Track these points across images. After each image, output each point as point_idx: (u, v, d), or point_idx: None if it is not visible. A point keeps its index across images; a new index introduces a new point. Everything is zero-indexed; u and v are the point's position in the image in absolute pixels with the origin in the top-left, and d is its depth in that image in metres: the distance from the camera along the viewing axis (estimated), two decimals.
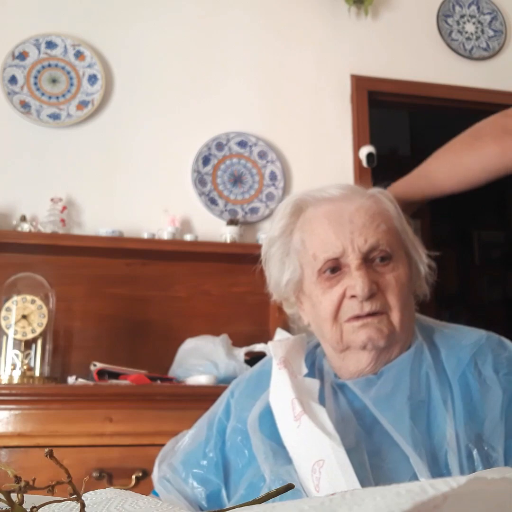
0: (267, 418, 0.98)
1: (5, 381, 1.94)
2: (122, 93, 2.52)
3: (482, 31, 2.89)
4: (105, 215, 2.39)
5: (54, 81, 2.45)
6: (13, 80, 2.40)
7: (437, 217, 4.55)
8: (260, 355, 2.09)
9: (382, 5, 2.82)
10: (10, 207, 2.32)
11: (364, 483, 0.83)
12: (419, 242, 1.06)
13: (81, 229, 2.37)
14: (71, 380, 1.97)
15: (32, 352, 2.03)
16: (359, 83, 2.70)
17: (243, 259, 2.44)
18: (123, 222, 2.37)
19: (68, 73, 2.47)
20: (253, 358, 2.09)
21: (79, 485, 0.47)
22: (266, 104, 2.63)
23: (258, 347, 2.21)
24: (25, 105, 2.39)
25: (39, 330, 2.02)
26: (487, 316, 4.38)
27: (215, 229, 2.44)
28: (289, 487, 0.52)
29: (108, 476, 1.79)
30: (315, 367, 1.06)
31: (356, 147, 2.64)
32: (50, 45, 2.46)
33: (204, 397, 1.71)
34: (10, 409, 1.80)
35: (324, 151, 2.64)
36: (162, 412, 1.86)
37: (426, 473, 0.84)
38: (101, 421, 1.82)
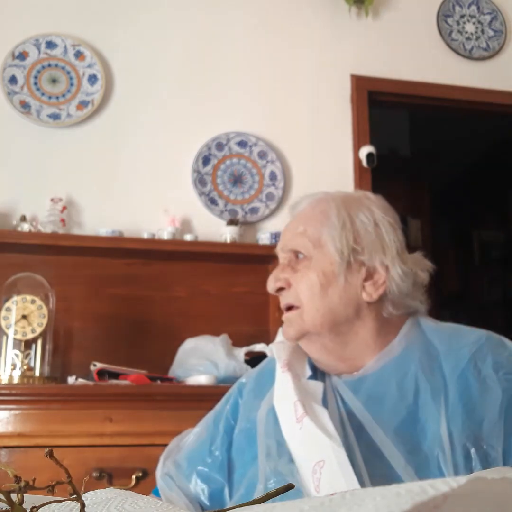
0: (274, 417, 0.99)
1: (5, 381, 1.94)
2: (122, 93, 2.52)
3: (482, 31, 2.89)
4: (105, 215, 2.39)
5: (54, 81, 2.45)
6: (13, 80, 2.40)
7: (437, 217, 4.55)
8: (260, 355, 2.09)
9: (382, 5, 2.82)
10: (10, 207, 2.32)
11: (360, 483, 0.83)
12: (388, 245, 1.03)
13: (81, 229, 2.37)
14: (71, 380, 1.97)
15: (32, 352, 2.03)
16: (359, 83, 2.70)
17: (243, 259, 2.45)
18: (123, 222, 2.37)
19: (68, 73, 2.47)
20: (253, 358, 2.09)
21: (79, 485, 0.47)
22: (266, 104, 2.63)
23: (258, 347, 2.21)
24: (25, 105, 2.39)
25: (39, 330, 2.02)
26: (487, 316, 4.38)
27: (215, 229, 2.44)
28: (289, 487, 0.52)
29: (108, 476, 1.79)
30: (317, 367, 1.06)
31: (356, 147, 2.64)
32: (50, 45, 2.46)
33: (204, 397, 1.71)
34: (10, 409, 1.80)
35: (324, 151, 2.64)
36: (162, 412, 1.86)
37: (414, 477, 0.85)
38: (101, 421, 1.82)
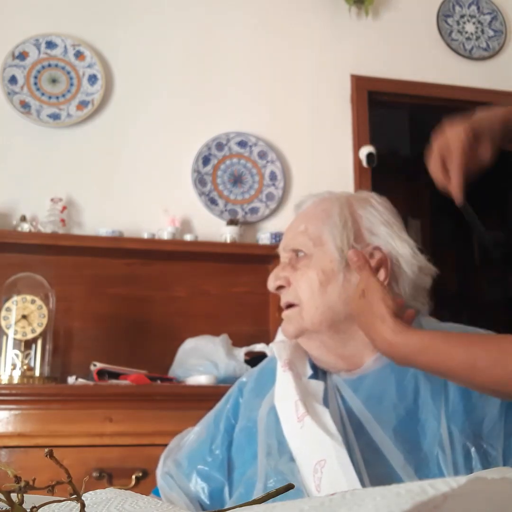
0: (275, 416, 0.99)
1: (5, 381, 1.94)
2: (122, 93, 2.52)
3: (482, 31, 2.89)
4: (105, 215, 2.39)
5: (54, 81, 2.45)
6: (13, 80, 2.40)
7: (437, 217, 4.55)
8: (260, 355, 2.09)
9: (382, 5, 2.82)
10: (10, 207, 2.32)
11: (360, 482, 0.83)
12: (392, 246, 1.03)
13: (81, 229, 2.37)
14: (71, 380, 1.97)
15: (32, 352, 2.03)
16: (359, 83, 2.70)
17: (243, 259, 2.45)
18: (123, 222, 2.37)
19: (68, 73, 2.47)
20: (253, 358, 2.09)
21: (79, 485, 0.47)
22: (266, 104, 2.63)
23: (258, 347, 2.21)
24: (25, 105, 2.39)
25: (39, 330, 2.02)
26: (487, 316, 4.38)
27: (215, 229, 2.44)
28: (289, 487, 0.52)
29: (108, 476, 1.79)
30: (318, 366, 1.06)
31: (356, 147, 2.64)
32: (50, 45, 2.46)
33: (204, 397, 1.71)
34: (10, 409, 1.80)
35: (324, 151, 2.64)
36: (162, 412, 1.86)
37: (414, 477, 0.85)
38: (101, 421, 1.82)
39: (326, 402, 0.97)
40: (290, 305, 1.04)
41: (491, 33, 2.90)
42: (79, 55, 2.48)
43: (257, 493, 0.91)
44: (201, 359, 2.10)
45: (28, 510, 0.44)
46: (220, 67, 2.62)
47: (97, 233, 2.31)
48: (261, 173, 2.57)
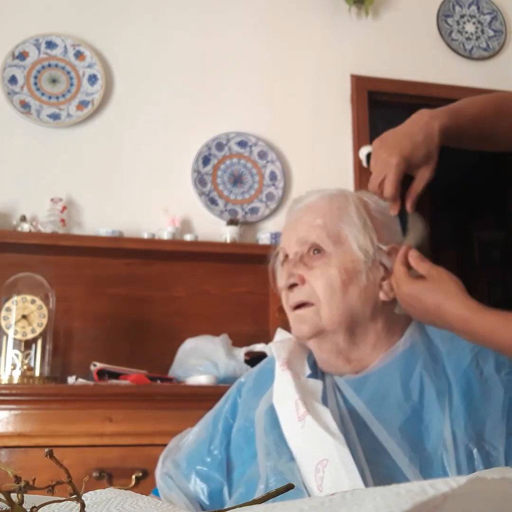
0: (273, 416, 0.99)
1: (5, 381, 1.94)
2: (122, 93, 2.52)
3: (482, 31, 2.89)
4: (105, 215, 2.39)
5: (54, 81, 2.45)
6: (13, 80, 2.40)
7: (437, 217, 4.55)
8: (260, 355, 2.09)
9: (382, 5, 2.82)
10: (10, 207, 2.32)
11: (363, 481, 0.83)
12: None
13: (81, 229, 2.37)
14: (71, 380, 1.97)
15: (32, 352, 2.03)
16: (359, 83, 2.70)
17: (243, 259, 2.45)
18: (123, 222, 2.37)
19: (68, 73, 2.47)
20: (253, 358, 2.09)
21: (79, 485, 0.47)
22: (266, 104, 2.63)
23: (258, 347, 2.21)
24: (25, 105, 2.39)
25: (39, 330, 2.02)
26: None
27: (215, 229, 2.44)
28: (289, 487, 0.52)
29: (108, 476, 1.79)
30: (317, 366, 1.06)
31: (356, 147, 2.64)
32: (50, 45, 2.46)
33: (204, 397, 1.71)
34: (10, 409, 1.80)
35: (324, 151, 2.64)
36: (162, 412, 1.86)
37: (418, 476, 0.84)
38: (101, 421, 1.82)
39: (324, 401, 0.96)
40: (302, 304, 1.00)
41: (491, 33, 2.90)
42: (79, 55, 2.48)
43: (258, 493, 0.91)
44: (201, 359, 2.10)
45: (28, 510, 0.44)
46: (220, 67, 2.62)
47: (97, 233, 2.31)
48: (261, 173, 2.57)
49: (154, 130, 2.51)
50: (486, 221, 5.09)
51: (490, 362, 0.95)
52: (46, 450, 0.45)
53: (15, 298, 2.03)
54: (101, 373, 1.97)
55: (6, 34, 2.44)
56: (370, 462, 0.87)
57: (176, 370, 2.14)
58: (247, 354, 2.14)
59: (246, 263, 2.44)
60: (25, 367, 1.98)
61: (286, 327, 1.70)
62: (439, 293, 0.89)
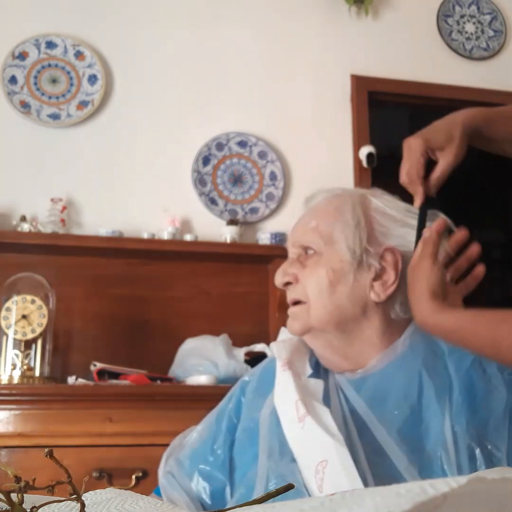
0: (277, 416, 0.99)
1: (5, 381, 1.94)
2: (122, 93, 2.52)
3: (482, 31, 2.89)
4: (105, 215, 2.39)
5: (54, 81, 2.45)
6: (13, 80, 2.40)
7: None
8: (260, 355, 2.09)
9: (382, 5, 2.82)
10: (10, 207, 2.32)
11: (364, 482, 0.83)
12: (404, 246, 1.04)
13: (81, 229, 2.37)
14: (71, 380, 1.97)
15: (32, 352, 2.03)
16: (359, 83, 2.70)
17: (243, 259, 2.45)
18: (123, 222, 2.37)
19: (68, 73, 2.47)
20: (253, 358, 2.09)
21: (79, 485, 0.47)
22: (266, 104, 2.63)
23: (258, 347, 2.21)
24: (25, 105, 2.39)
25: (39, 330, 2.02)
26: None
27: (215, 229, 2.44)
28: (289, 487, 0.52)
29: (108, 476, 1.79)
30: (320, 365, 1.06)
31: (356, 147, 2.64)
32: (50, 45, 2.46)
33: (204, 397, 1.72)
34: (10, 409, 1.80)
35: (324, 151, 2.64)
36: (162, 412, 1.86)
37: (417, 478, 0.84)
38: (101, 421, 1.82)
39: (327, 401, 0.96)
40: (297, 302, 1.03)
41: (491, 33, 2.90)
42: (79, 55, 2.48)
43: (258, 494, 0.91)
44: (201, 359, 2.10)
45: (28, 510, 0.44)
46: (220, 67, 2.62)
47: (97, 233, 2.31)
48: (261, 173, 2.57)
49: (154, 130, 2.51)
50: (486, 221, 5.09)
51: (493, 361, 0.94)
52: (46, 450, 0.45)
53: (15, 298, 2.03)
54: (101, 373, 1.97)
55: (6, 34, 2.44)
56: (371, 463, 0.87)
57: (176, 370, 2.14)
58: (247, 354, 2.14)
59: (246, 263, 2.44)
60: (25, 367, 1.98)
61: None
62: (411, 293, 0.95)
